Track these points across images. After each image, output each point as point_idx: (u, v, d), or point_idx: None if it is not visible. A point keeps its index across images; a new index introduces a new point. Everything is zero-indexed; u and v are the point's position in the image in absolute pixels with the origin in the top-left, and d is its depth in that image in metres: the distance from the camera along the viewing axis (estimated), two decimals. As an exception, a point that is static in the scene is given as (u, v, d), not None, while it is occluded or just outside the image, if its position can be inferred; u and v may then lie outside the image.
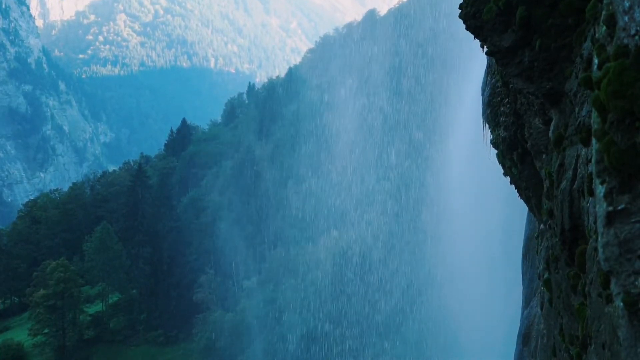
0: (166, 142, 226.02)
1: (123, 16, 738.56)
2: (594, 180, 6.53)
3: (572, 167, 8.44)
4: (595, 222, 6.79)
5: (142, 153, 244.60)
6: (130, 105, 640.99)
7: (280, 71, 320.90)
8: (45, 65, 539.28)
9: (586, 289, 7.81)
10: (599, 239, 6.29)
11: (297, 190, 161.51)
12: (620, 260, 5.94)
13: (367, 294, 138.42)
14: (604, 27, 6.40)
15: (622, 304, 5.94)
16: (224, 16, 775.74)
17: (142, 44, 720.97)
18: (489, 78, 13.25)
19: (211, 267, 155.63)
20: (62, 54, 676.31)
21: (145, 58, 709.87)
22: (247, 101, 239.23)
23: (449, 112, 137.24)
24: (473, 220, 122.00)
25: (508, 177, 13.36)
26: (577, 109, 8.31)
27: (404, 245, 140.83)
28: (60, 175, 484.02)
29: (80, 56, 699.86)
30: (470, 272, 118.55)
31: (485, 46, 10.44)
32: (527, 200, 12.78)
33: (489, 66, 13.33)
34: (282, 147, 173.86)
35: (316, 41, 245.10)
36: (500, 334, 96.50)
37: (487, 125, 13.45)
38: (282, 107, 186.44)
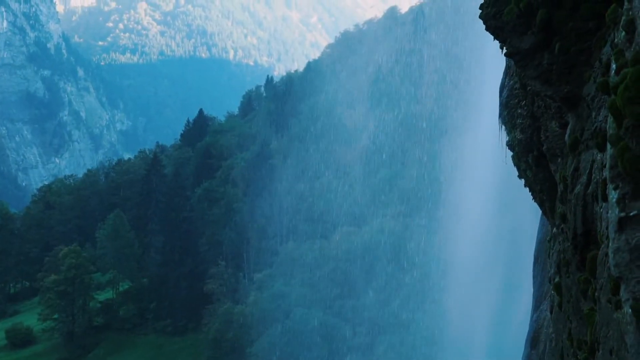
0: (182, 132, 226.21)
1: (144, 4, 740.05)
2: (607, 186, 6.52)
3: (587, 171, 8.42)
4: (607, 228, 6.78)
5: (157, 142, 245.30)
6: (148, 93, 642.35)
7: (299, 65, 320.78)
8: (64, 51, 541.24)
9: (596, 294, 7.80)
10: (610, 244, 6.29)
11: (311, 185, 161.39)
12: (631, 266, 5.93)
13: (377, 290, 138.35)
14: (623, 33, 6.38)
15: (630, 310, 5.94)
16: (245, 8, 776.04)
17: (162, 33, 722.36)
18: (507, 80, 13.24)
19: (222, 259, 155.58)
20: (81, 40, 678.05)
21: (164, 47, 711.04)
22: (264, 94, 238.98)
23: (466, 112, 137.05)
24: (485, 221, 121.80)
25: (522, 180, 13.35)
26: (594, 114, 8.30)
27: (415, 243, 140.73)
28: (76, 161, 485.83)
29: (100, 43, 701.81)
30: (480, 274, 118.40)
31: (504, 47, 10.43)
32: (540, 204, 12.77)
33: (507, 68, 13.32)
34: (298, 141, 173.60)
35: (336, 36, 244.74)
36: (510, 337, 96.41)
37: (503, 126, 13.43)
38: (299, 102, 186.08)
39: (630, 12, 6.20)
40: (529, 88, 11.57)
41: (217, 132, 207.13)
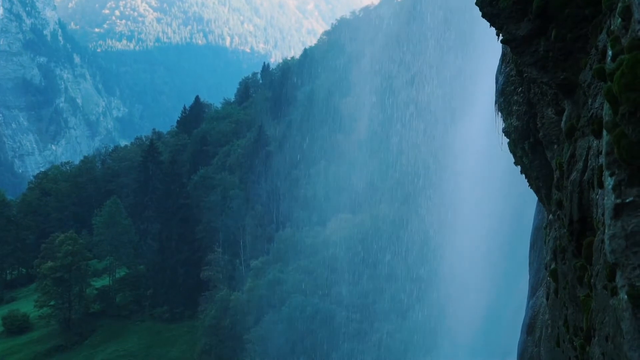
0: (179, 119, 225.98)
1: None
2: (603, 173, 6.52)
3: (583, 158, 8.42)
4: (603, 214, 6.78)
5: (154, 129, 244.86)
6: (144, 80, 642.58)
7: (296, 52, 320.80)
8: (60, 38, 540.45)
9: (592, 280, 7.80)
10: (606, 231, 6.29)
11: (308, 172, 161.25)
12: (627, 252, 5.93)
13: (373, 277, 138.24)
14: (620, 19, 6.38)
15: (626, 296, 5.94)
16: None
17: (158, 20, 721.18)
18: (503, 66, 13.23)
19: (219, 246, 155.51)
20: (78, 27, 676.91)
21: (160, 34, 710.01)
22: (261, 81, 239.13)
23: (463, 99, 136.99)
24: (481, 208, 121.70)
25: (518, 167, 13.35)
26: (590, 101, 8.29)
27: (411, 230, 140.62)
28: (72, 148, 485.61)
29: (96, 30, 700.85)
30: (476, 261, 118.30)
31: (500, 34, 10.41)
32: (537, 190, 12.77)
33: (503, 54, 13.30)
34: (294, 128, 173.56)
35: (332, 23, 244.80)
36: (506, 323, 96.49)
37: (499, 113, 13.43)
38: (296, 88, 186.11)
39: (627, -1, 6.20)
40: (525, 75, 11.56)
41: (214, 119, 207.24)
